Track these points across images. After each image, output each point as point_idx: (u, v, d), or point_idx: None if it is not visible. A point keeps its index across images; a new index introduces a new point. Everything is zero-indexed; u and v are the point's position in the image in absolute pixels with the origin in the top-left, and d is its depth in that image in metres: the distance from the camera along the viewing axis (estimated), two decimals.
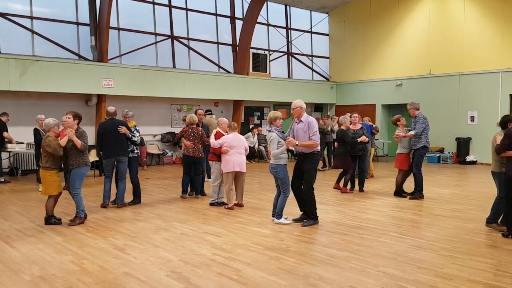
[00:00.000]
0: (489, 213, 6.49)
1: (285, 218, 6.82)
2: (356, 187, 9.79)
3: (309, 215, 6.74)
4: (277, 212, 6.80)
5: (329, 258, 5.10)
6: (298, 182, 6.79)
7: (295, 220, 6.86)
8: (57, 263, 4.96)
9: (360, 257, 5.14)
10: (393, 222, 6.87)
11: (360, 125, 10.10)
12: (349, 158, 9.60)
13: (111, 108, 8.19)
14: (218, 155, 7.99)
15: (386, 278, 4.47)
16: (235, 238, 5.96)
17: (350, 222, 6.90)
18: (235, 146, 7.73)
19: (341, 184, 9.76)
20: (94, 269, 4.78)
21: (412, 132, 8.75)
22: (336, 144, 10.34)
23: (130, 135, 8.10)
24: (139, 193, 8.45)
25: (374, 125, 12.47)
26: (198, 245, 5.67)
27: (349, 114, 10.31)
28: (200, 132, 8.77)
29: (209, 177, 11.13)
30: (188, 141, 8.69)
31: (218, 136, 8.04)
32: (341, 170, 9.77)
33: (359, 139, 9.60)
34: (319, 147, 6.64)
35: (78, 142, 6.60)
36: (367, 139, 9.77)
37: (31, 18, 13.24)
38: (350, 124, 9.99)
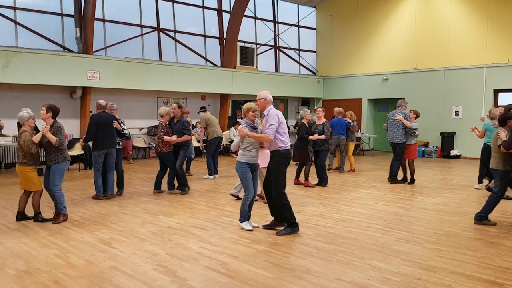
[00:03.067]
0: (474, 206, 6.53)
1: (249, 223, 6.11)
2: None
3: (286, 222, 5.95)
4: (240, 214, 6.12)
5: (315, 251, 5.13)
6: (270, 183, 6.01)
7: (265, 227, 6.11)
8: (42, 257, 4.91)
9: (346, 249, 5.18)
10: (379, 215, 6.94)
11: (324, 121, 9.76)
12: (306, 151, 9.58)
13: (102, 102, 8.28)
14: None
15: (372, 270, 4.51)
16: (222, 232, 5.96)
17: (336, 215, 6.95)
18: None
19: (302, 179, 9.82)
20: (80, 263, 4.74)
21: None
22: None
23: (121, 129, 8.29)
24: (123, 184, 8.69)
25: (351, 122, 12.27)
26: (185, 238, 5.65)
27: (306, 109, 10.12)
28: (161, 126, 8.60)
29: (212, 173, 10.78)
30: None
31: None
32: (299, 164, 9.83)
33: (310, 137, 9.39)
34: (287, 146, 5.84)
35: (53, 139, 6.25)
36: (322, 136, 9.44)
37: (15, 8, 12.98)
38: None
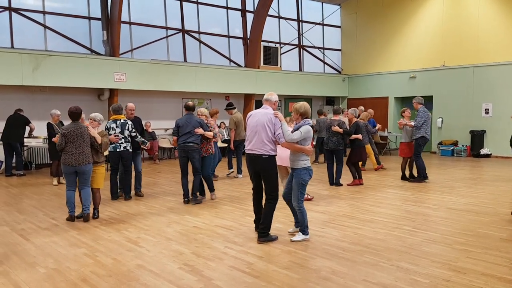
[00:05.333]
0: (506, 206, 6.38)
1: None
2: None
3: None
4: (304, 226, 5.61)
5: (341, 252, 5.07)
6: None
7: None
8: (71, 256, 5.02)
9: (373, 251, 5.11)
10: (406, 216, 6.82)
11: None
12: (360, 150, 10.00)
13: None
14: None
15: (400, 272, 4.44)
16: (247, 232, 5.96)
17: (362, 215, 6.86)
18: None
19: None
20: (108, 261, 4.82)
21: (412, 123, 9.66)
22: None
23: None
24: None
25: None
26: (210, 238, 5.68)
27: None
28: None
29: (238, 172, 10.99)
30: None
31: None
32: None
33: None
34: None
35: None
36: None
37: (44, 13, 13.32)
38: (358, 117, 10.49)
